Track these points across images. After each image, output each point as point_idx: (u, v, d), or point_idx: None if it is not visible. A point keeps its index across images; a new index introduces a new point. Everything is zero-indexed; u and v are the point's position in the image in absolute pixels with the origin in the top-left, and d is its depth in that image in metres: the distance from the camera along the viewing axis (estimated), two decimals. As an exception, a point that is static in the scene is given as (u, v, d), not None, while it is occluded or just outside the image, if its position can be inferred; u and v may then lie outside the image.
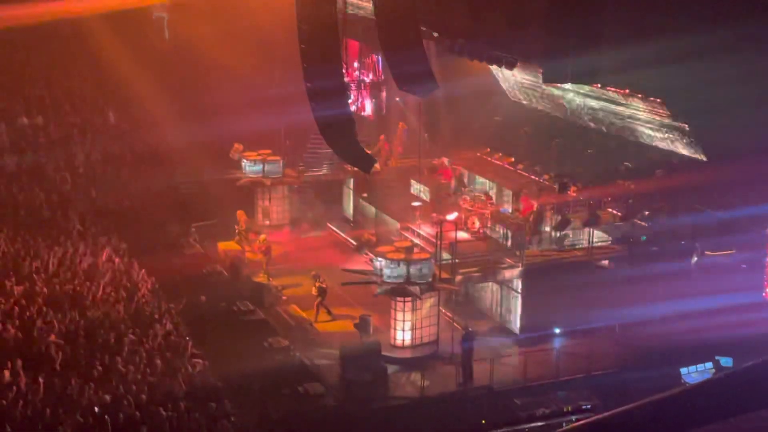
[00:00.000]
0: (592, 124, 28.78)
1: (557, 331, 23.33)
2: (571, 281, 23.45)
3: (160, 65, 34.60)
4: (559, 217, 25.13)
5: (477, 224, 26.29)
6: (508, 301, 24.55)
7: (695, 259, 24.05)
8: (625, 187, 26.31)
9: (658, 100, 24.26)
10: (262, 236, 27.79)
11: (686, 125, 24.69)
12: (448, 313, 24.53)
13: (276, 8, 31.90)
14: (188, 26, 35.49)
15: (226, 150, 31.52)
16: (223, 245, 28.88)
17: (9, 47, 34.15)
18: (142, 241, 26.53)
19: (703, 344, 21.54)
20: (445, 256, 23.81)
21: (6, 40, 34.17)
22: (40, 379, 17.45)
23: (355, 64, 33.47)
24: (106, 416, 16.55)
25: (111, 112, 32.39)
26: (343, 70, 19.47)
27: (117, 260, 24.01)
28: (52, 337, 18.99)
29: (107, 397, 17.18)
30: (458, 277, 23.81)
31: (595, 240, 25.14)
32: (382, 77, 33.01)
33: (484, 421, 20.23)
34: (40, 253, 23.55)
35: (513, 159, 29.86)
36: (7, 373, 17.46)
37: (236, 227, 28.51)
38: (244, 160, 30.48)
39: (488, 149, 31.08)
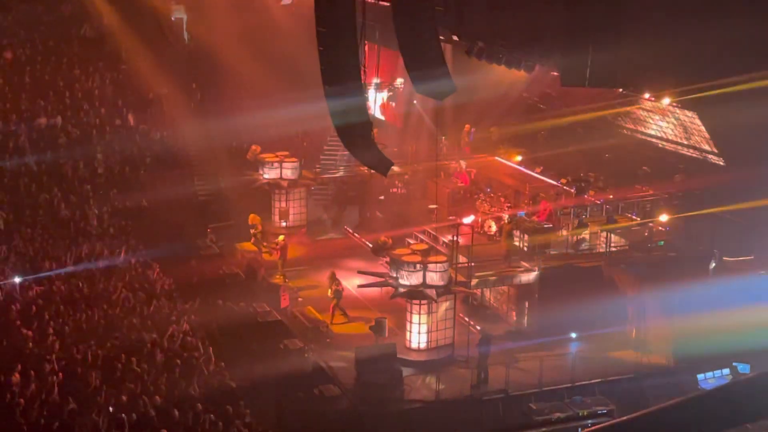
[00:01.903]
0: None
1: (573, 335, 23.25)
2: (587, 285, 23.34)
3: (179, 66, 34.72)
4: (576, 221, 25.04)
5: (493, 227, 26.25)
6: (524, 304, 24.47)
7: (713, 264, 23.88)
8: (643, 191, 26.20)
9: (678, 105, 24.16)
10: (281, 237, 27.83)
11: (704, 129, 24.58)
12: (464, 317, 24.49)
13: (295, 10, 32.00)
14: (208, 28, 35.61)
15: (243, 152, 31.60)
16: (240, 247, 28.94)
17: (30, 48, 34.38)
18: (160, 242, 26.63)
19: (721, 350, 21.37)
20: (461, 259, 23.78)
21: (27, 40, 34.40)
22: (56, 379, 17.56)
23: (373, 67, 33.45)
24: (123, 415, 16.63)
25: (130, 114, 32.53)
26: (361, 73, 19.48)
27: (134, 261, 24.12)
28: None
29: (123, 397, 17.25)
30: (474, 281, 23.77)
31: (612, 244, 25.03)
32: (400, 80, 32.98)
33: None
34: (58, 253, 23.71)
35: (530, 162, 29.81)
36: (17, 375, 17.56)
37: (252, 230, 28.54)
38: (262, 162, 30.53)
39: (505, 152, 31.03)
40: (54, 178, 28.59)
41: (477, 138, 32.30)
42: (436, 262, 22.90)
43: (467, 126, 32.07)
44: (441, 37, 20.38)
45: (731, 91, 20.61)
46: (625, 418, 4.53)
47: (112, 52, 34.89)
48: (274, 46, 33.70)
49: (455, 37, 26.67)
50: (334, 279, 24.91)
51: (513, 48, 23.18)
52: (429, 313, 22.93)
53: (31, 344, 18.96)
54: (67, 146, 29.97)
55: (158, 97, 33.54)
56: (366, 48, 30.18)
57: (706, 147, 25.28)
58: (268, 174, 30.32)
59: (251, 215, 28.66)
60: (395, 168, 27.74)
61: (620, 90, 25.52)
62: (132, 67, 34.17)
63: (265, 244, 28.39)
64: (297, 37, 30.39)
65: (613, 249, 25.08)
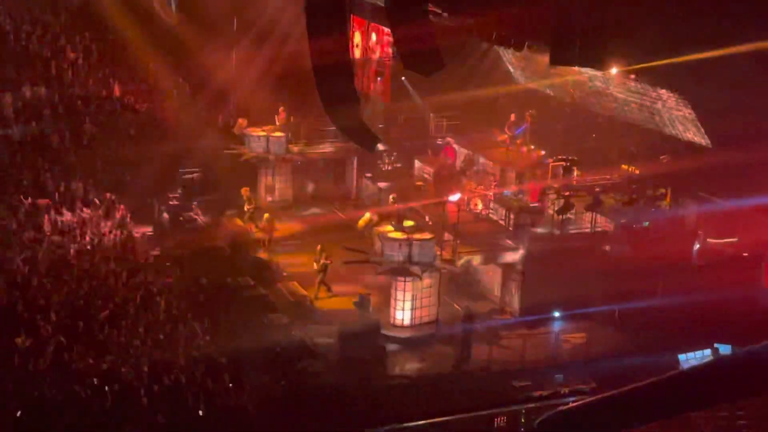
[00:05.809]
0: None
1: (556, 314, 23.34)
2: (571, 265, 23.41)
3: (166, 38, 34.44)
4: (562, 201, 25.07)
5: (480, 205, 26.26)
6: (509, 283, 24.53)
7: (697, 245, 24.00)
8: (629, 171, 26.24)
9: (664, 89, 24.17)
10: (267, 214, 27.68)
11: (692, 111, 24.62)
12: (447, 295, 24.54)
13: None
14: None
15: (230, 125, 31.43)
16: (225, 220, 28.85)
17: (15, 17, 34.02)
18: (145, 215, 26.52)
19: (702, 331, 21.53)
20: (447, 236, 23.79)
21: (13, 10, 34.05)
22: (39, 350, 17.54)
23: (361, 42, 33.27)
24: (105, 386, 16.63)
25: (116, 85, 32.29)
26: (350, 48, 19.33)
27: (119, 233, 24.03)
28: None
29: (106, 368, 17.25)
30: (460, 259, 23.79)
31: (597, 225, 25.09)
32: (389, 55, 32.79)
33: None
34: (42, 223, 23.60)
35: (518, 141, 29.75)
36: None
37: (246, 206, 28.25)
38: (248, 136, 30.38)
39: (493, 131, 30.93)
40: (39, 148, 28.40)
41: (470, 116, 31.69)
42: (422, 240, 22.91)
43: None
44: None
45: (720, 72, 20.63)
46: (601, 396, 4.55)
47: (98, 23, 34.57)
48: (265, 19, 33.42)
49: (446, 14, 26.53)
50: (323, 252, 24.76)
51: (503, 26, 23.10)
52: (413, 290, 22.96)
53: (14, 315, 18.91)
54: (53, 117, 29.75)
55: (145, 69, 33.31)
56: (354, 22, 30.07)
57: (693, 129, 25.33)
58: (255, 148, 30.17)
59: (244, 189, 28.39)
60: (381, 145, 27.71)
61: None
62: (119, 39, 33.90)
63: (259, 224, 28.05)
64: (288, 11, 30.20)
65: (599, 229, 25.14)
